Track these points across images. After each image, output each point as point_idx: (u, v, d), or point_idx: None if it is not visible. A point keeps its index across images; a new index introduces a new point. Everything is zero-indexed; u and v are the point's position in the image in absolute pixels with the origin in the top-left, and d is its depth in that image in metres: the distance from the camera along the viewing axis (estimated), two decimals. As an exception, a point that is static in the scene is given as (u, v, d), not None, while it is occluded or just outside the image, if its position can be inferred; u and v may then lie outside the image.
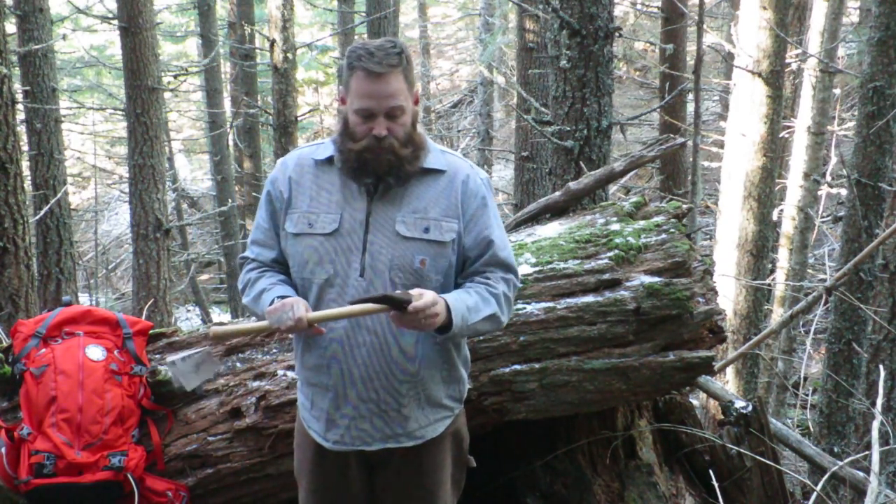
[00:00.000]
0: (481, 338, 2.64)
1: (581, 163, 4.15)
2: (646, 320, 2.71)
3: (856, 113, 6.14)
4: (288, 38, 7.55)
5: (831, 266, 6.14)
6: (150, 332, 2.96)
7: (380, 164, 1.97)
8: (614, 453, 3.08)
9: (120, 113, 9.64)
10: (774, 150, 6.11)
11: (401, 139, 1.97)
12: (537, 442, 3.09)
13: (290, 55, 7.59)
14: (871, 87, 5.23)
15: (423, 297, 1.86)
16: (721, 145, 7.49)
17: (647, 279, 2.74)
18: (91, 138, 14.20)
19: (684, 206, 3.15)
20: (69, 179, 8.91)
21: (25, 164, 5.97)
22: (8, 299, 4.03)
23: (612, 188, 7.04)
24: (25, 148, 7.25)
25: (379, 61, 1.91)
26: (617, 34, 4.21)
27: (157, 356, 2.94)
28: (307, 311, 1.94)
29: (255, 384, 2.77)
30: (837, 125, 9.02)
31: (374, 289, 1.98)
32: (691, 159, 5.05)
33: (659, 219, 2.99)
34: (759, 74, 5.85)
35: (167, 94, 12.46)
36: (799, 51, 7.89)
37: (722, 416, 3.43)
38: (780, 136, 6.72)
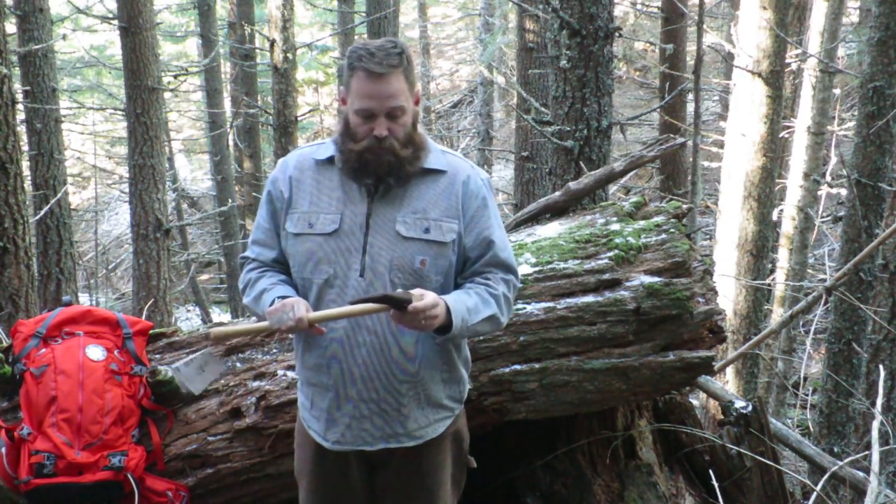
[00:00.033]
0: (481, 338, 2.64)
1: (581, 163, 4.15)
2: (646, 320, 2.71)
3: (856, 113, 6.14)
4: (288, 38, 7.56)
5: (831, 266, 6.15)
6: (151, 332, 2.96)
7: (380, 164, 1.97)
8: (614, 453, 3.08)
9: (120, 113, 9.65)
10: (774, 150, 6.10)
11: (401, 139, 1.97)
12: (537, 442, 3.09)
13: (290, 55, 7.60)
14: (871, 87, 5.23)
15: (424, 297, 1.86)
16: (721, 145, 7.49)
17: (647, 279, 2.74)
18: (91, 138, 14.20)
19: (684, 206, 3.15)
20: (69, 179, 8.91)
21: (25, 164, 5.97)
22: (8, 299, 4.04)
23: (612, 188, 7.04)
24: (25, 148, 7.25)
25: (380, 62, 1.91)
26: (617, 34, 4.21)
27: (157, 356, 2.95)
28: (308, 311, 1.94)
29: (255, 384, 2.77)
30: (837, 125, 9.02)
31: (374, 289, 1.98)
32: (691, 159, 5.05)
33: (659, 219, 3.00)
34: (759, 74, 5.85)
35: (167, 94, 12.46)
36: (799, 51, 7.89)
37: (722, 416, 3.43)
38: (780, 136, 6.72)
